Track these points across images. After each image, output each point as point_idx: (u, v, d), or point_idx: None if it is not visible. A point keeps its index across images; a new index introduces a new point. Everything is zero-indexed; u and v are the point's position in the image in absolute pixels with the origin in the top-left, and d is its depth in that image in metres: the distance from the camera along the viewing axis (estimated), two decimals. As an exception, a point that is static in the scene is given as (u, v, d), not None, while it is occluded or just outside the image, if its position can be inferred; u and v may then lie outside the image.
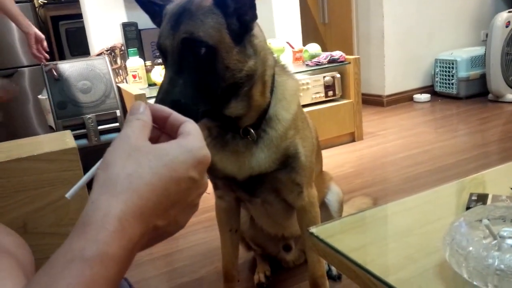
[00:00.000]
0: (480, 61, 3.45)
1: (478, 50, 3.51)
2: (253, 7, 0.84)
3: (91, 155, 2.16)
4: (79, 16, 2.72)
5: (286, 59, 2.81)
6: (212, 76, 0.81)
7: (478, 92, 3.49)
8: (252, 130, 0.93)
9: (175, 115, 0.43)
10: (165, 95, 0.77)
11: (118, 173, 0.36)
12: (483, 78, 3.42)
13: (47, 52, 2.11)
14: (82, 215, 0.35)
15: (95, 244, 0.33)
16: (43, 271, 0.33)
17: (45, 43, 2.09)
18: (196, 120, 0.77)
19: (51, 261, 0.33)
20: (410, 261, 0.61)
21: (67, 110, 2.16)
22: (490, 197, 0.75)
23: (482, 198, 0.74)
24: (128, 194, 0.35)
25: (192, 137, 0.41)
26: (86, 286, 0.32)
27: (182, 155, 0.39)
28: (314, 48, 2.77)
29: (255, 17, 0.85)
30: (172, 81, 0.78)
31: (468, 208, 0.72)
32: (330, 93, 2.66)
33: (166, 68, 0.81)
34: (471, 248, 0.52)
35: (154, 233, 0.38)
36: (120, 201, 0.34)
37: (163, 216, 0.38)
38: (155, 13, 0.90)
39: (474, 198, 0.75)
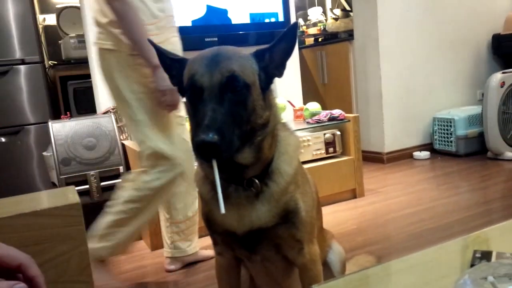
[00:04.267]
0: (478, 119, 3.52)
1: (475, 109, 3.58)
2: (283, 66, 0.94)
3: (93, 211, 2.16)
4: (87, 76, 2.83)
5: (287, 117, 2.88)
6: (242, 113, 0.86)
7: (477, 150, 3.52)
8: (256, 181, 0.95)
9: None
10: (212, 122, 0.80)
11: None
12: (481, 136, 3.47)
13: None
14: None
15: None
16: None
17: None
18: (233, 153, 0.85)
19: None
20: (416, 320, 0.60)
21: (71, 167, 2.18)
22: (494, 254, 0.74)
23: (486, 256, 0.74)
24: None
25: None
26: None
27: None
28: (314, 106, 2.84)
29: (281, 75, 0.95)
30: (215, 111, 0.82)
31: (472, 265, 0.71)
32: (331, 149, 2.69)
33: (202, 101, 0.85)
34: (476, 307, 0.51)
35: None
36: None
37: None
38: (174, 70, 0.97)
39: (478, 255, 0.74)
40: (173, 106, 1.68)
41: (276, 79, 0.97)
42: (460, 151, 3.53)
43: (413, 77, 3.65)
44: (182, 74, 0.93)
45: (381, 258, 1.69)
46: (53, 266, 1.22)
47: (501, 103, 3.31)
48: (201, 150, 0.80)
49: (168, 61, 0.99)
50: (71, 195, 1.33)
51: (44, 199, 1.42)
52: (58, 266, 1.22)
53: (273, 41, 0.92)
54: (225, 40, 2.61)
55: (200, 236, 2.19)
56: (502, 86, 3.30)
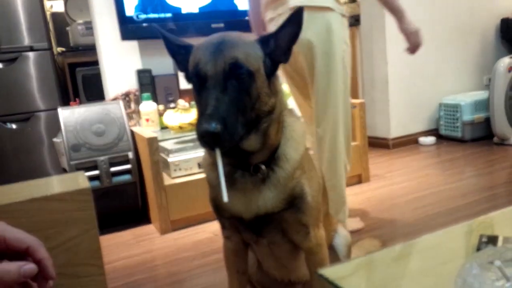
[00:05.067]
0: (484, 105, 3.49)
1: (482, 94, 3.55)
2: (288, 52, 0.93)
3: (102, 196, 2.19)
4: (95, 63, 2.83)
5: (293, 103, 2.86)
6: (247, 101, 0.86)
7: (483, 135, 3.50)
8: (263, 167, 0.95)
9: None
10: (215, 111, 0.81)
11: None
12: (487, 121, 3.45)
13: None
14: None
15: None
16: None
17: None
18: (237, 141, 0.85)
19: None
20: (422, 303, 0.60)
21: (81, 153, 2.20)
22: (500, 239, 0.74)
23: (492, 240, 0.73)
24: None
25: None
26: None
27: None
28: (320, 92, 2.81)
29: (287, 60, 0.94)
30: (218, 100, 0.82)
31: (478, 249, 0.71)
32: (337, 136, 2.68)
33: (206, 89, 0.85)
34: (483, 291, 0.51)
35: None
36: None
37: None
38: (180, 56, 0.97)
39: (484, 240, 0.74)
40: (416, 48, 1.94)
41: (282, 65, 0.96)
42: (466, 136, 3.51)
43: (419, 63, 3.60)
44: (188, 60, 0.93)
45: (386, 243, 1.70)
46: (64, 250, 1.23)
47: (508, 88, 3.27)
48: (204, 139, 0.81)
49: (175, 47, 0.98)
50: (81, 180, 1.35)
51: (55, 184, 1.44)
52: (69, 249, 1.24)
53: (278, 26, 0.92)
54: (231, 26, 2.60)
55: (208, 221, 2.23)
56: (510, 71, 3.26)
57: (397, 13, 1.86)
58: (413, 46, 1.94)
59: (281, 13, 1.69)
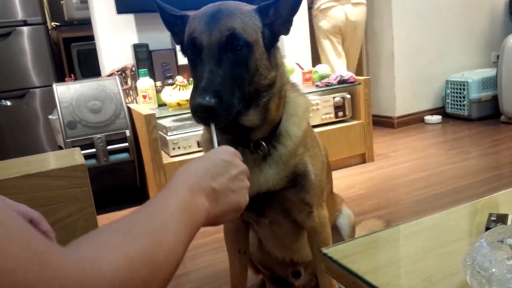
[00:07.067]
0: (492, 82, 3.44)
1: (490, 72, 3.50)
2: (289, 23, 0.89)
3: (100, 175, 2.17)
4: (91, 38, 2.77)
5: (295, 80, 2.81)
6: (244, 74, 0.83)
7: (490, 113, 3.45)
8: (263, 143, 0.92)
9: None
10: (209, 84, 0.78)
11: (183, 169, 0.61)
12: (495, 99, 3.40)
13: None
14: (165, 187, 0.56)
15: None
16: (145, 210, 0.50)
17: None
18: (233, 116, 0.82)
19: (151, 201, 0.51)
20: (429, 283, 0.59)
21: (77, 130, 2.16)
22: (510, 217, 0.73)
23: (501, 219, 0.72)
24: (187, 175, 0.58)
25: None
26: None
27: (214, 152, 0.67)
28: (323, 68, 2.77)
29: (287, 32, 0.90)
30: (213, 72, 0.79)
31: (487, 228, 0.70)
32: (340, 113, 2.65)
33: (201, 61, 0.82)
34: (494, 270, 0.50)
35: (215, 194, 0.59)
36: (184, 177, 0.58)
37: (214, 180, 0.59)
38: (176, 28, 0.93)
39: (493, 218, 0.73)
40: None
41: (285, 41, 0.91)
42: (472, 115, 3.47)
43: (426, 39, 3.55)
44: (184, 31, 0.89)
45: (389, 223, 1.68)
46: (60, 228, 1.22)
47: (517, 66, 3.21)
48: (198, 113, 0.78)
49: (170, 18, 0.94)
50: (76, 156, 1.33)
51: (50, 160, 1.42)
52: (66, 227, 1.23)
53: None
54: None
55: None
56: (519, 48, 3.19)
57: None
58: None
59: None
